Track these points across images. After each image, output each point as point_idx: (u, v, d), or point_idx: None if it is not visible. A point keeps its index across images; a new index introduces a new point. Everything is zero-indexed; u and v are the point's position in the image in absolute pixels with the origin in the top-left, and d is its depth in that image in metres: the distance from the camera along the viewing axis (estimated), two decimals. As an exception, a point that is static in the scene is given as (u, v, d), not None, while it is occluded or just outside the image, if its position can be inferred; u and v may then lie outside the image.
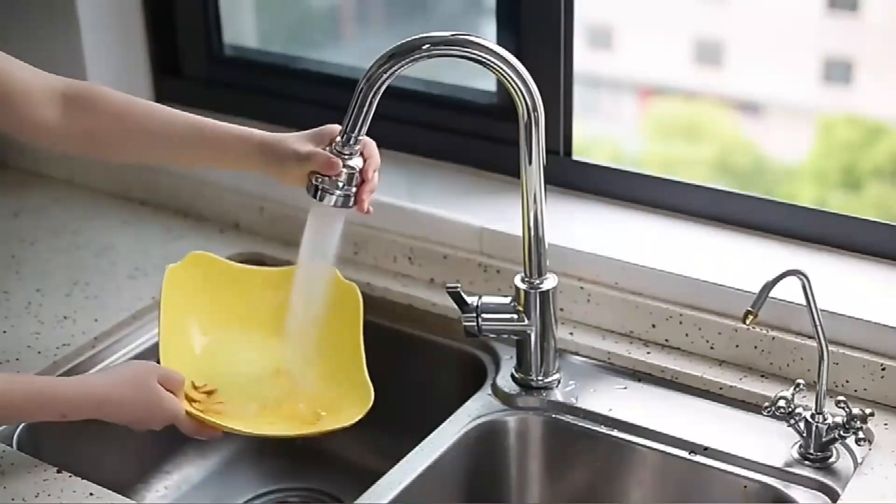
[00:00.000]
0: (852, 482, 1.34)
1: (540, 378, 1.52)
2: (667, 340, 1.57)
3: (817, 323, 1.35)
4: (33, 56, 1.47)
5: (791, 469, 1.37)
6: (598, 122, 6.96)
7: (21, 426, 1.48)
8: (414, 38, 1.36)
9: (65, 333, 1.63)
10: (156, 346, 1.50)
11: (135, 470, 1.68)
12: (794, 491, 1.36)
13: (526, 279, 1.49)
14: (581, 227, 1.68)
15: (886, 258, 1.57)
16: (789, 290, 1.38)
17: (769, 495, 1.37)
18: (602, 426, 1.48)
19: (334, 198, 1.39)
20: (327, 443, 1.43)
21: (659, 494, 1.46)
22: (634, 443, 1.46)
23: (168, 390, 1.38)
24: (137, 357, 1.63)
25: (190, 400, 1.43)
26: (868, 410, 1.34)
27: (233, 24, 2.14)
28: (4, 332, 1.64)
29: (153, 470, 1.70)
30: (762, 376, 1.51)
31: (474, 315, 1.50)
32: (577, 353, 1.59)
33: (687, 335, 1.55)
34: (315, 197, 1.40)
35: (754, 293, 1.35)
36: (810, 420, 1.36)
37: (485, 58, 1.37)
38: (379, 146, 1.44)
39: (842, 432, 1.35)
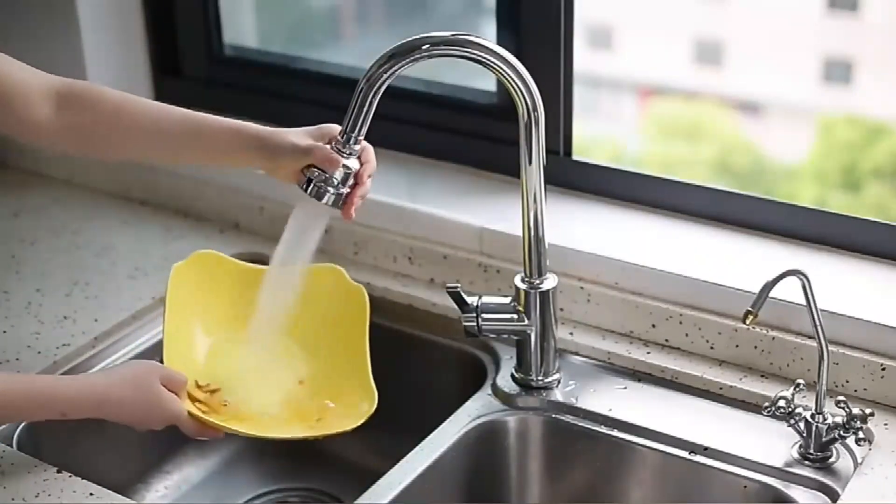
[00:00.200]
0: (852, 482, 1.34)
1: (540, 378, 1.52)
2: (667, 340, 1.57)
3: (817, 323, 1.35)
4: (33, 56, 1.47)
5: (791, 469, 1.37)
6: (598, 122, 6.96)
7: (21, 426, 1.48)
8: (414, 38, 1.36)
9: (65, 333, 1.63)
10: (156, 346, 1.50)
11: (135, 470, 1.68)
12: (794, 491, 1.36)
13: (526, 279, 1.49)
14: (581, 227, 1.68)
15: (886, 258, 1.57)
16: (789, 290, 1.38)
17: (769, 495, 1.37)
18: (602, 426, 1.48)
19: (327, 195, 1.39)
20: (327, 443, 1.43)
21: (659, 494, 1.46)
22: (634, 443, 1.46)
23: (170, 391, 1.38)
24: (138, 357, 1.63)
25: (193, 399, 1.43)
26: (868, 410, 1.34)
27: (233, 24, 2.14)
28: (4, 332, 1.64)
29: (153, 470, 1.70)
30: (762, 376, 1.51)
31: (474, 315, 1.50)
32: (577, 353, 1.59)
33: (687, 335, 1.55)
34: (307, 191, 1.39)
35: (754, 293, 1.35)
36: (810, 420, 1.36)
37: (485, 58, 1.37)
38: (379, 146, 1.44)
39: (842, 432, 1.35)
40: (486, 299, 1.51)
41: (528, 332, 1.50)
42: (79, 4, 1.95)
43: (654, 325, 1.57)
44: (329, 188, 1.38)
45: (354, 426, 1.41)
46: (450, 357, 1.66)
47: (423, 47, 1.35)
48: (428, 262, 1.72)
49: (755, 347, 1.51)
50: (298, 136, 1.41)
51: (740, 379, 1.50)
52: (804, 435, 1.37)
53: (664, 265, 1.57)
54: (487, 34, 1.64)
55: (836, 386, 1.46)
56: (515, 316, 1.50)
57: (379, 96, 1.36)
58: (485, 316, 1.50)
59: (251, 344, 1.51)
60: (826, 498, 1.34)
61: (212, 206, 1.92)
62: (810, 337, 1.40)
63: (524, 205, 1.45)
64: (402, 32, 1.41)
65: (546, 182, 1.45)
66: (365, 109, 1.36)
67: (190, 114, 1.44)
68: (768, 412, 1.38)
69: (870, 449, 1.38)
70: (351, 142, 1.38)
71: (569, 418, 1.50)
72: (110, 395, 1.36)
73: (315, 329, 1.55)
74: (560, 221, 1.65)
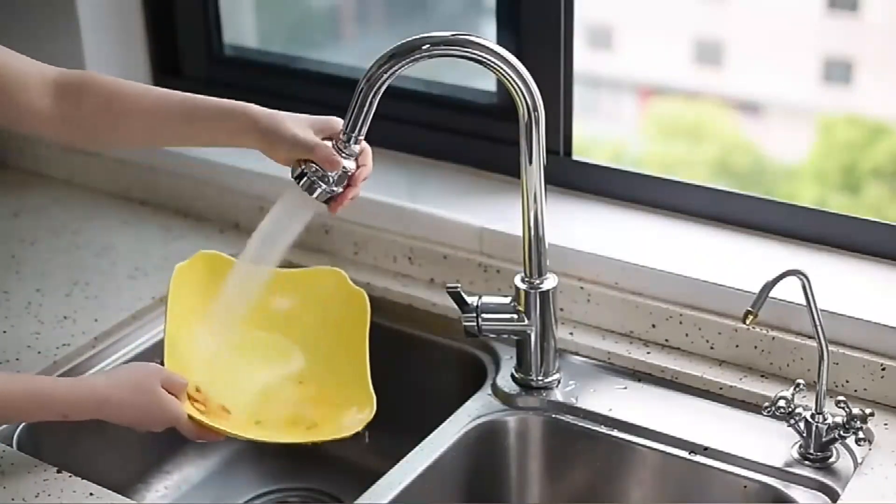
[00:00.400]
0: (852, 482, 1.34)
1: (540, 378, 1.52)
2: (667, 340, 1.57)
3: (817, 323, 1.35)
4: (33, 56, 1.46)
5: (791, 469, 1.37)
6: (598, 122, 6.96)
7: (21, 426, 1.48)
8: (414, 38, 1.36)
9: (65, 333, 1.63)
10: (156, 346, 1.50)
11: (135, 470, 1.68)
12: (794, 491, 1.36)
13: (526, 279, 1.49)
14: (581, 227, 1.68)
15: (886, 258, 1.57)
16: (789, 290, 1.38)
17: (769, 495, 1.37)
18: (602, 426, 1.48)
19: (318, 191, 1.38)
20: (327, 443, 1.43)
21: (659, 494, 1.46)
22: (634, 443, 1.46)
23: (170, 393, 1.38)
24: (138, 357, 1.63)
25: (193, 401, 1.42)
26: (868, 410, 1.34)
27: (233, 24, 2.14)
28: (4, 332, 1.64)
29: (153, 470, 1.70)
30: (762, 376, 1.51)
31: (474, 315, 1.50)
32: (577, 353, 1.59)
33: (687, 335, 1.55)
34: (298, 182, 1.38)
35: (754, 293, 1.35)
36: (810, 420, 1.36)
37: (485, 58, 1.37)
38: (379, 146, 1.44)
39: (842, 432, 1.35)
40: (486, 299, 1.51)
41: (528, 332, 1.50)
42: (79, 4, 1.95)
43: (654, 325, 1.57)
44: (322, 185, 1.37)
45: (353, 432, 1.41)
46: (450, 357, 1.66)
47: (424, 47, 1.35)
48: (428, 262, 1.72)
49: (755, 347, 1.51)
50: (301, 126, 1.39)
51: (740, 379, 1.50)
52: (804, 435, 1.37)
53: (664, 265, 1.57)
54: (487, 34, 1.64)
55: (836, 386, 1.46)
56: (515, 316, 1.50)
57: (379, 96, 1.36)
58: (485, 316, 1.50)
59: (209, 336, 1.49)
60: (826, 498, 1.34)
61: (212, 206, 1.92)
62: (810, 337, 1.40)
63: (524, 205, 1.45)
64: (402, 32, 1.41)
65: (546, 182, 1.45)
66: (365, 109, 1.36)
67: (189, 96, 1.43)
68: (768, 412, 1.38)
69: (870, 449, 1.38)
70: (351, 142, 1.38)
71: (569, 418, 1.50)
72: (111, 398, 1.36)
73: (315, 331, 1.55)
74: (560, 221, 1.65)
